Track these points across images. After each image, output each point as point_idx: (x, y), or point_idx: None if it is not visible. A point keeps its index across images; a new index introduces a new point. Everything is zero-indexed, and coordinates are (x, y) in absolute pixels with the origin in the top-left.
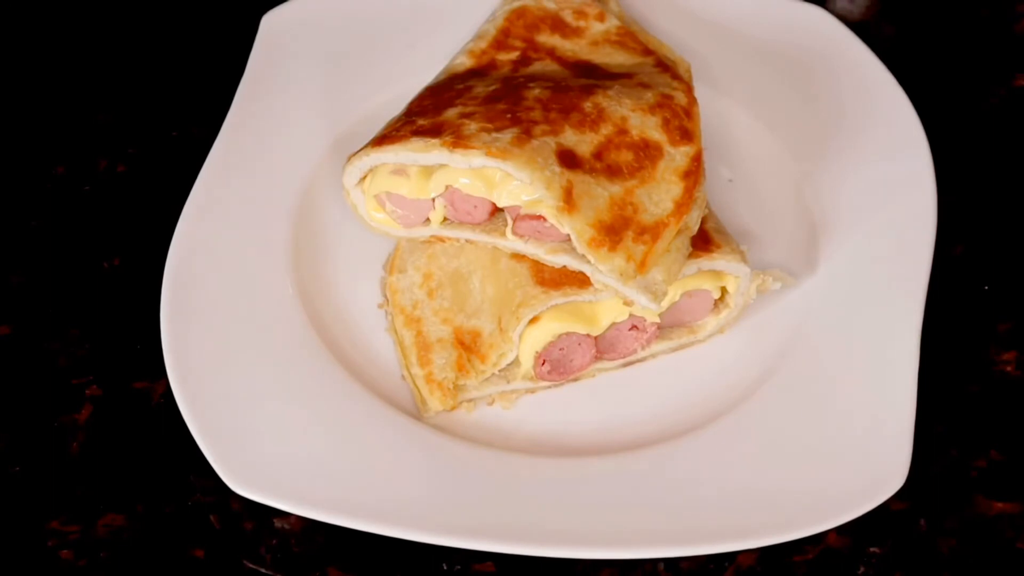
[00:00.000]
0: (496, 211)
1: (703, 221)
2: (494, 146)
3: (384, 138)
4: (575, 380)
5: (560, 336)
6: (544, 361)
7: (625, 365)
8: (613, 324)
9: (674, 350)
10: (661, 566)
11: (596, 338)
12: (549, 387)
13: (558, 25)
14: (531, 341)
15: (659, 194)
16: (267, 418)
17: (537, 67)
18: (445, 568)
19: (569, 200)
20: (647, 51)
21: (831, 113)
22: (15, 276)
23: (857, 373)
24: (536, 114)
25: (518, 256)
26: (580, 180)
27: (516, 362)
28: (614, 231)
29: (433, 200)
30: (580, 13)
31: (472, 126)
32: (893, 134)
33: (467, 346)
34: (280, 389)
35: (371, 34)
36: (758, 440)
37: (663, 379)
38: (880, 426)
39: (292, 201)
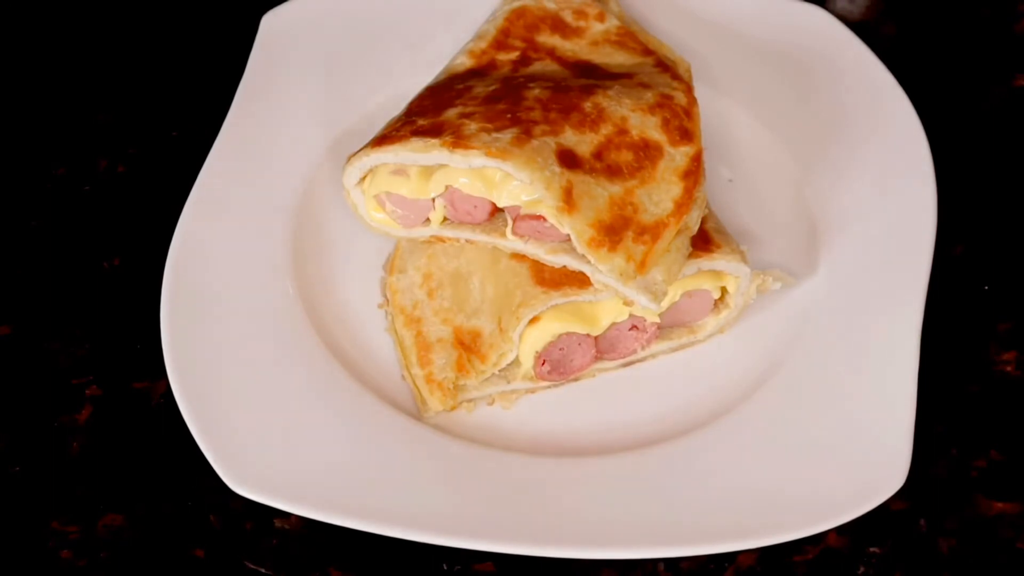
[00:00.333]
0: (496, 211)
1: (703, 221)
2: (494, 146)
3: (384, 138)
4: (575, 380)
5: (560, 336)
6: (544, 361)
7: (625, 365)
8: (613, 324)
9: (674, 350)
10: (661, 566)
11: (596, 338)
12: (549, 387)
13: (558, 25)
14: (531, 341)
15: (659, 194)
16: (267, 418)
17: (537, 67)
18: (445, 568)
19: (569, 200)
20: (647, 51)
21: (831, 113)
22: (15, 276)
23: (857, 373)
24: (536, 114)
25: (518, 256)
26: (580, 180)
27: (516, 362)
28: (614, 231)
29: (433, 200)
30: (580, 13)
31: (472, 126)
32: (893, 134)
33: (467, 346)
34: (280, 389)
35: (371, 34)
36: (758, 440)
37: (663, 379)
38: (880, 426)
39: (292, 201)
